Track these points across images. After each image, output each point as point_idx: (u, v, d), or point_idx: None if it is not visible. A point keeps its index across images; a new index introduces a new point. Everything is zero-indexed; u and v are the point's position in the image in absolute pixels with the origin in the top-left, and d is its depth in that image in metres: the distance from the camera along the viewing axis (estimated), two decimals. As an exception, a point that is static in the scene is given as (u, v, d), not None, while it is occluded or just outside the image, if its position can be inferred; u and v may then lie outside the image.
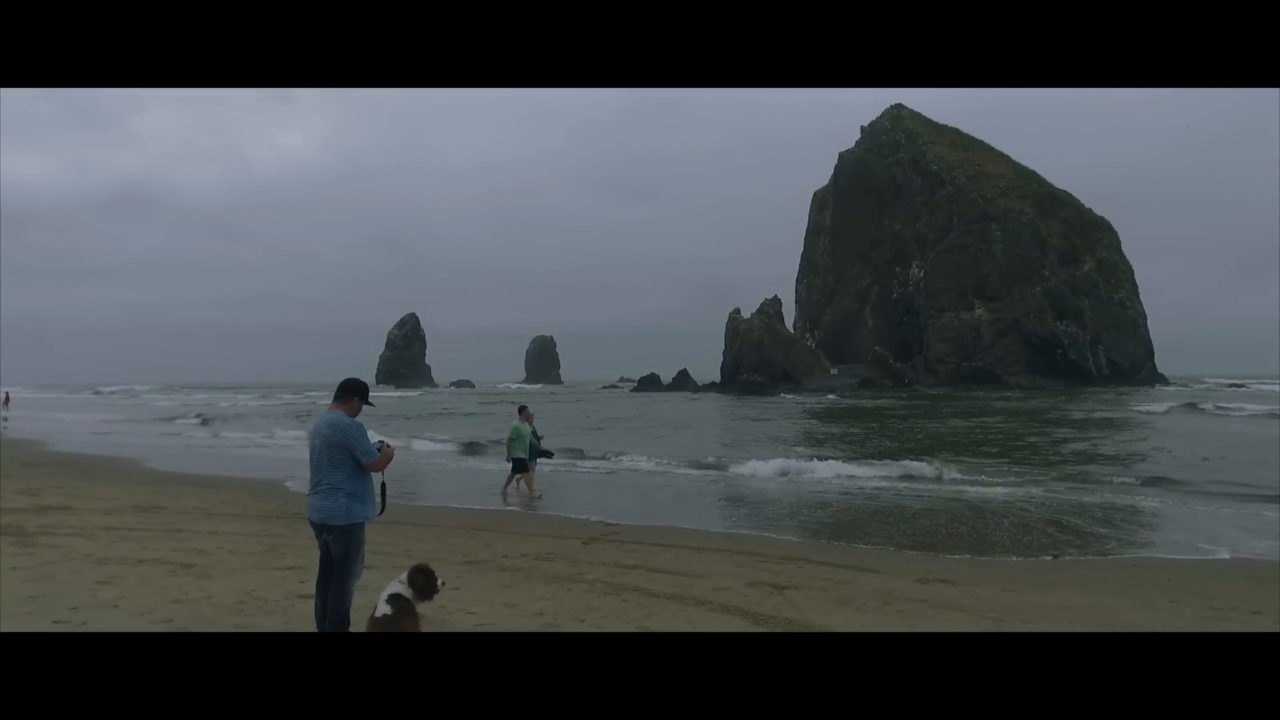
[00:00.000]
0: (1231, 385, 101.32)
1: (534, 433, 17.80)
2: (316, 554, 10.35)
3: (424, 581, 5.86)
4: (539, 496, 16.80)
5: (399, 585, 5.82)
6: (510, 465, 17.41)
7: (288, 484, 19.02)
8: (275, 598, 7.80)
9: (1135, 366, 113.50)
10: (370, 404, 6.40)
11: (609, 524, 13.66)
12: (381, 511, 6.28)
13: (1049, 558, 11.09)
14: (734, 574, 9.27)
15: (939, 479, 18.41)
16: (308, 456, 6.26)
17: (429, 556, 10.49)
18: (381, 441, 6.26)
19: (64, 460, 25.39)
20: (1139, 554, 11.49)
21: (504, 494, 17.31)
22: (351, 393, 6.23)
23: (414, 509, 15.26)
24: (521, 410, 18.41)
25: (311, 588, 6.71)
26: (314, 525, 6.10)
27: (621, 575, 9.16)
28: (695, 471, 20.82)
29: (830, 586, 8.69)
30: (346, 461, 6.00)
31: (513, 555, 10.44)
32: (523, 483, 17.25)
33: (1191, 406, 48.96)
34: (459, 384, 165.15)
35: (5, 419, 43.31)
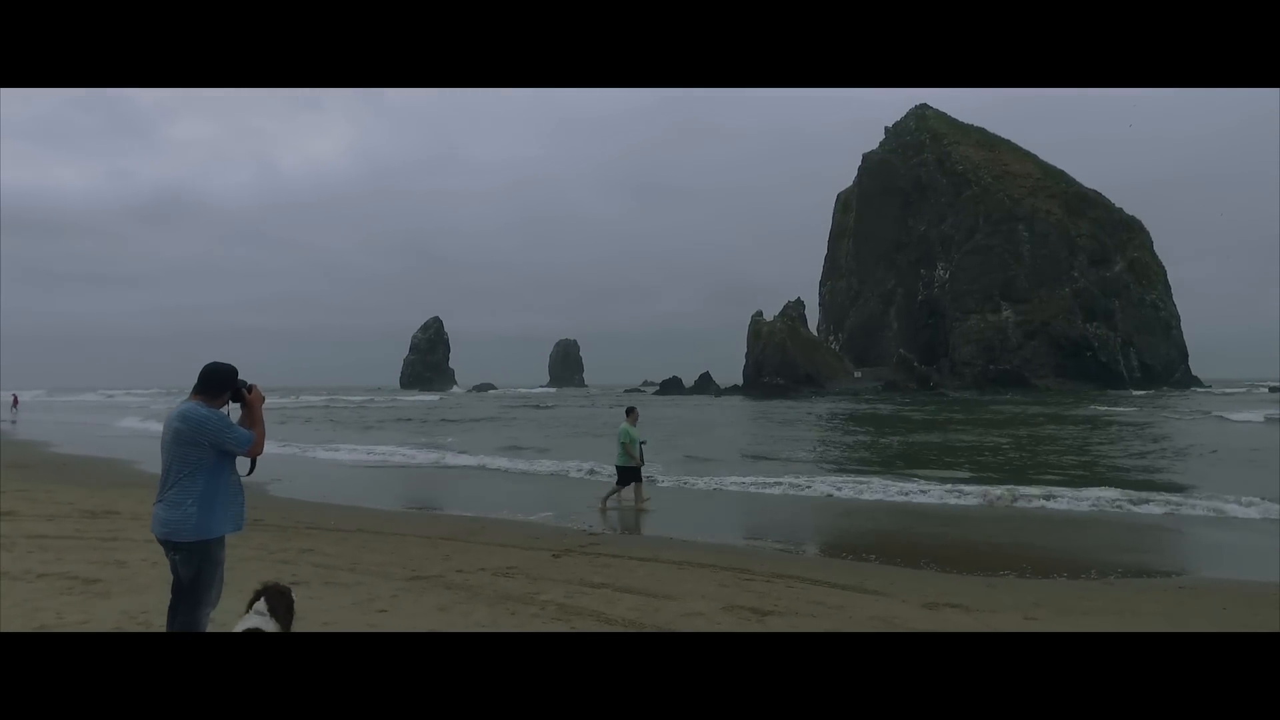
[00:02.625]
0: (1272, 389, 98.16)
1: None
2: (242, 569, 9.31)
3: (288, 608, 4.70)
4: (645, 508, 14.78)
5: (257, 617, 4.64)
6: (618, 474, 15.32)
7: (269, 488, 18.03)
8: (163, 623, 6.65)
9: (1168, 369, 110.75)
10: (245, 393, 5.11)
11: (591, 533, 12.47)
12: (250, 472, 5.20)
13: (1089, 578, 9.74)
14: (712, 595, 8.03)
15: (977, 493, 16.79)
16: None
17: (377, 569, 9.37)
18: (247, 386, 5.07)
19: (55, 461, 24.62)
20: (1195, 574, 10.08)
21: (604, 505, 15.01)
22: (218, 384, 4.99)
23: (380, 515, 14.17)
24: (630, 412, 15.99)
25: (217, 611, 5.58)
26: (160, 542, 4.95)
27: (581, 596, 7.95)
28: (705, 479, 19.48)
29: (821, 612, 7.43)
30: (202, 463, 4.84)
31: (468, 570, 9.26)
32: (631, 491, 15.10)
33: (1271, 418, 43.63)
34: (480, 388, 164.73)
35: (14, 421, 43.02)
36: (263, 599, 4.69)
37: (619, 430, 15.58)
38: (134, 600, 7.40)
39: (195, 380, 5.07)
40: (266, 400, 5.30)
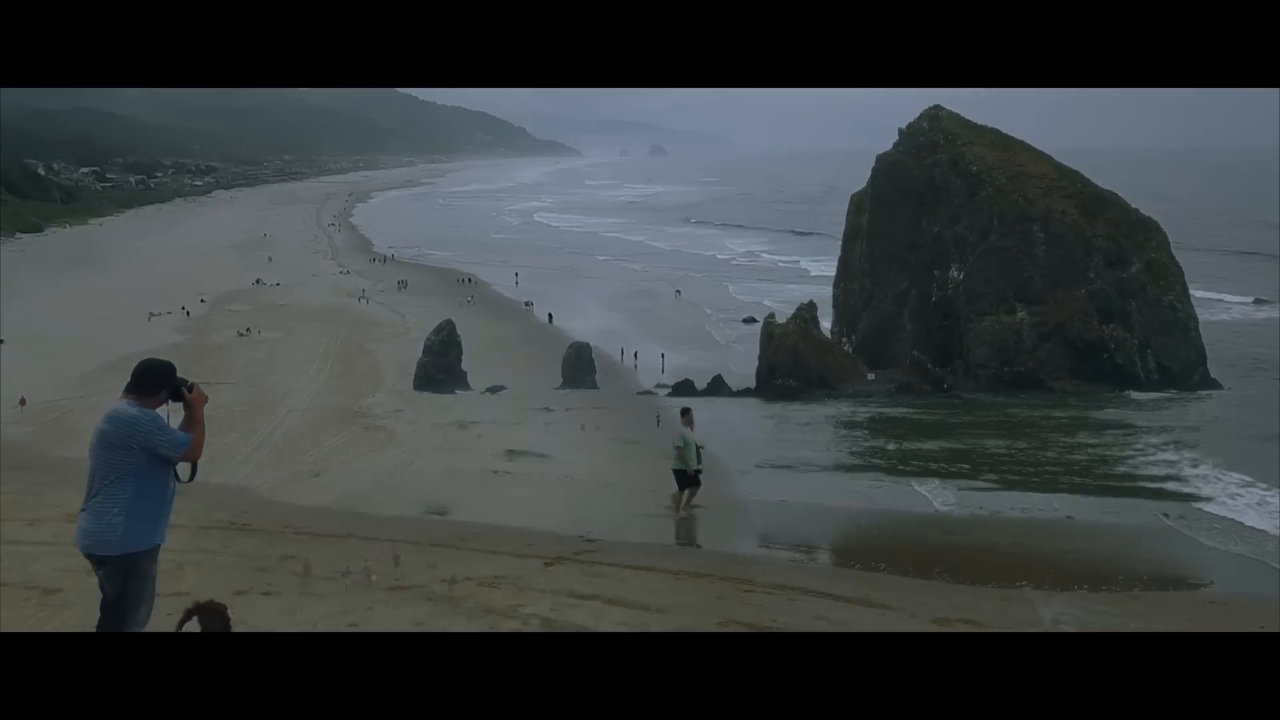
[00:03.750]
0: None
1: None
2: (220, 577, 8.90)
3: (223, 628, 4.25)
4: (685, 515, 14.10)
5: (190, 640, 4.20)
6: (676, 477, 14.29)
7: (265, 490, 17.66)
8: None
9: (1186, 371, 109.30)
10: (185, 392, 4.64)
11: (588, 539, 11.96)
12: (191, 478, 4.76)
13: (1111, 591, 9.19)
14: (706, 609, 7.54)
15: (992, 499, 16.12)
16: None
17: (359, 578, 8.93)
18: (188, 385, 4.62)
19: (57, 463, 24.25)
20: (1225, 587, 9.51)
21: (676, 510, 14.28)
22: (153, 382, 4.53)
23: (373, 519, 13.71)
24: (685, 413, 15.11)
25: (160, 625, 5.15)
26: (85, 557, 4.49)
27: (567, 609, 7.48)
28: (712, 483, 18.81)
29: (822, 629, 6.92)
30: (130, 469, 4.37)
31: (454, 579, 8.79)
32: (687, 496, 14.25)
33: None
34: (492, 390, 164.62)
35: (17, 422, 42.86)
36: (195, 618, 4.24)
37: (678, 435, 14.66)
38: (90, 614, 6.94)
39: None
40: (209, 400, 4.85)
